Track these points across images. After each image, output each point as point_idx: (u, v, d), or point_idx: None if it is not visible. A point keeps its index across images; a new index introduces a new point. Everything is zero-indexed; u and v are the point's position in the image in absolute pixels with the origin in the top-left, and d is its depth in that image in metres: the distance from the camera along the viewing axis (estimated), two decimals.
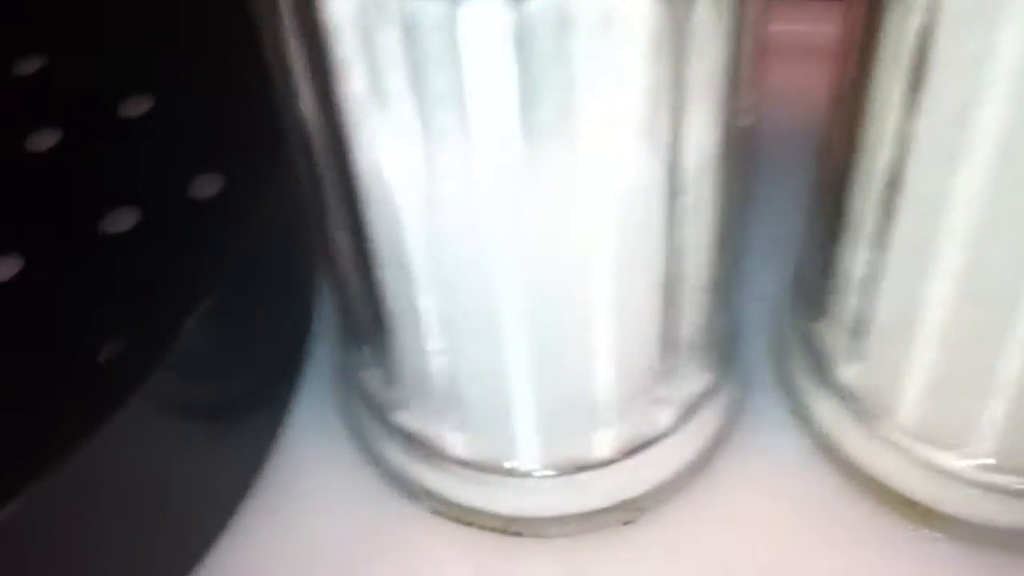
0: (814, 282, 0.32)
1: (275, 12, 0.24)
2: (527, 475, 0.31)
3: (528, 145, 0.24)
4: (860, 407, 0.31)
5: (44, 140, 0.33)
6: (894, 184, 0.27)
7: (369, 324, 0.30)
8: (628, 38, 0.23)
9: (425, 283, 0.27)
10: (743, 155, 0.27)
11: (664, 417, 0.31)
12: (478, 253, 0.26)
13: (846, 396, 0.32)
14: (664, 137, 0.25)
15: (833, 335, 0.32)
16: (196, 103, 0.33)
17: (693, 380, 0.32)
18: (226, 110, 0.32)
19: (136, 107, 0.34)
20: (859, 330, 0.30)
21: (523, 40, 0.22)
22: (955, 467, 0.30)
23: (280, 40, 0.24)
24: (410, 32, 0.22)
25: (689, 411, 0.32)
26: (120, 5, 0.36)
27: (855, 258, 0.30)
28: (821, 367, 0.32)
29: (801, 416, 0.34)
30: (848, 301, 0.30)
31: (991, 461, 0.29)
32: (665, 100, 0.24)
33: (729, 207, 0.28)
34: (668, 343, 0.30)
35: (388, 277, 0.28)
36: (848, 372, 0.32)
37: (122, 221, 0.31)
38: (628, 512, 0.32)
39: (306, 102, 0.25)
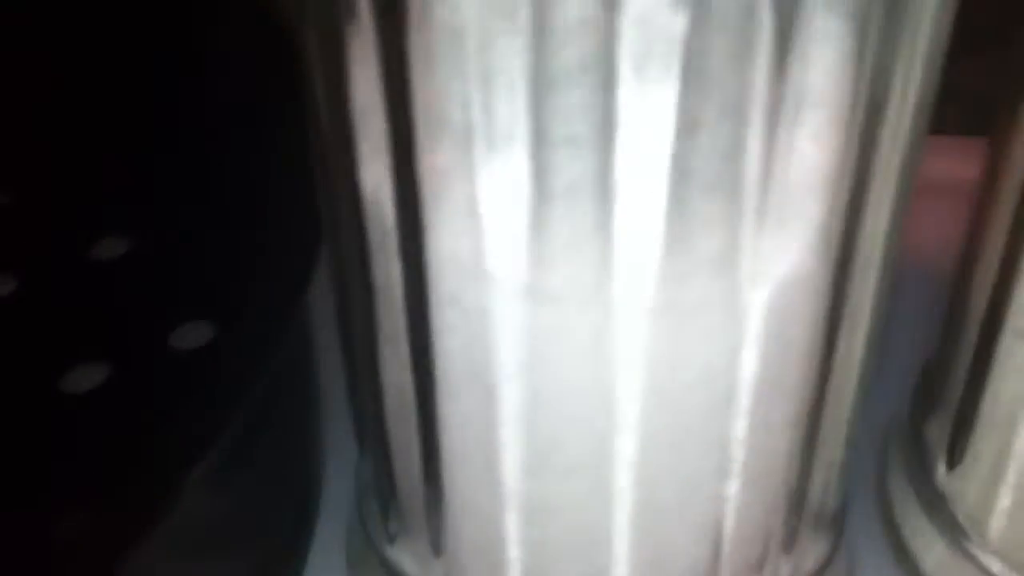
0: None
1: (346, 39, 0.18)
2: None
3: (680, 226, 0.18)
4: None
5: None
6: None
7: (414, 477, 0.23)
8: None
9: (511, 417, 0.21)
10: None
11: None
12: (592, 380, 0.20)
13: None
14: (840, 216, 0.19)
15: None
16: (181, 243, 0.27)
17: (811, 550, 0.25)
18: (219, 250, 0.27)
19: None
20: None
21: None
22: None
23: (344, 89, 0.19)
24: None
25: None
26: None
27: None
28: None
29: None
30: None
31: None
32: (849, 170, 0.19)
33: (881, 308, 0.22)
34: (797, 500, 0.23)
35: (456, 411, 0.21)
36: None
37: (89, 377, 0.25)
38: None
39: (373, 171, 0.19)
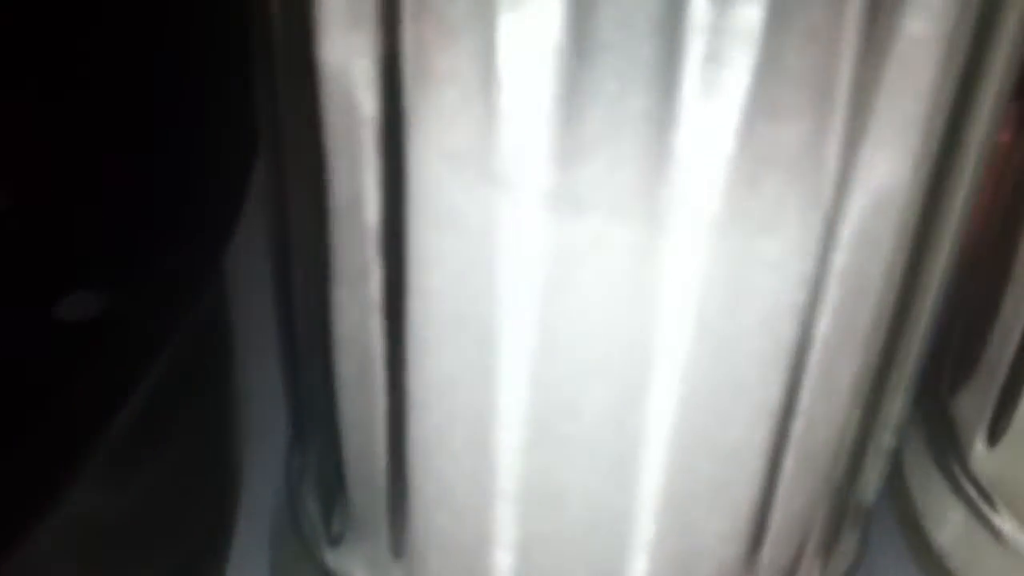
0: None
1: None
2: None
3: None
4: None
5: None
6: None
7: (374, 462, 0.18)
8: None
9: (512, 376, 0.16)
10: None
11: None
12: (625, 322, 0.15)
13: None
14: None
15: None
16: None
17: (844, 551, 0.21)
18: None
19: None
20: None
21: None
22: None
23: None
24: None
25: None
26: None
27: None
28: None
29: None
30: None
31: None
32: None
33: (958, 244, 0.18)
34: (845, 488, 0.19)
35: (438, 370, 0.16)
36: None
37: None
38: None
39: (340, 43, 0.15)
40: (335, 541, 0.21)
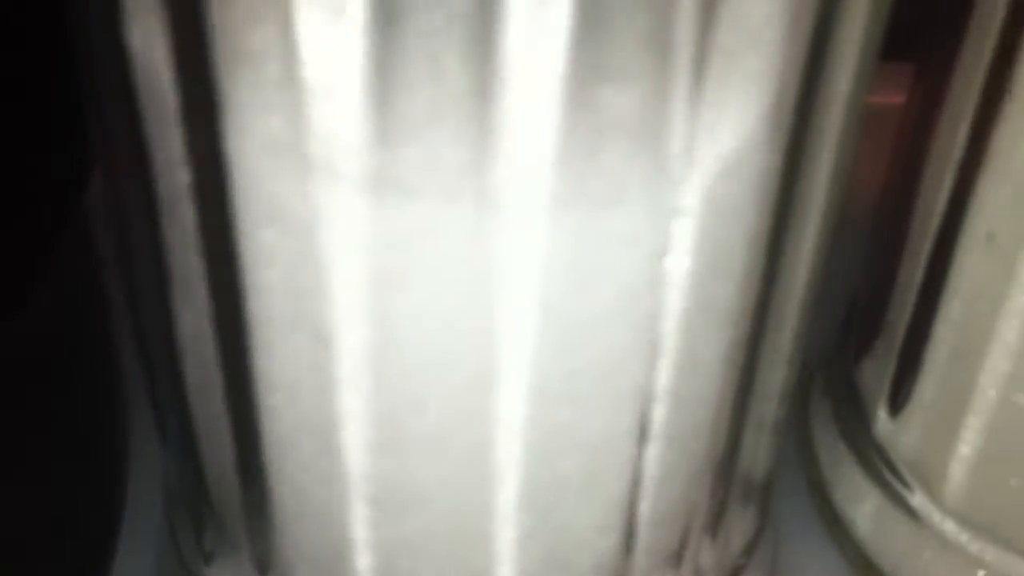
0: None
1: None
2: None
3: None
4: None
5: None
6: None
7: (228, 471, 0.17)
8: None
9: (353, 374, 0.15)
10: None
11: None
12: (465, 312, 0.14)
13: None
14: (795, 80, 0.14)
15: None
16: None
17: (738, 529, 0.20)
18: None
19: None
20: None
21: None
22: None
23: None
24: None
25: None
26: None
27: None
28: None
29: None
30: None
31: None
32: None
33: (833, 210, 0.17)
34: (726, 466, 0.18)
35: (278, 372, 0.15)
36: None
37: None
38: None
39: (142, 22, 0.14)
40: (208, 558, 0.20)
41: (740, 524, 0.20)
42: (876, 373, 0.23)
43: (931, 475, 0.22)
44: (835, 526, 0.24)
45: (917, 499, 0.22)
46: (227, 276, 0.15)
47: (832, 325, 0.25)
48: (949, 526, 0.22)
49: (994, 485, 0.21)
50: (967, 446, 0.21)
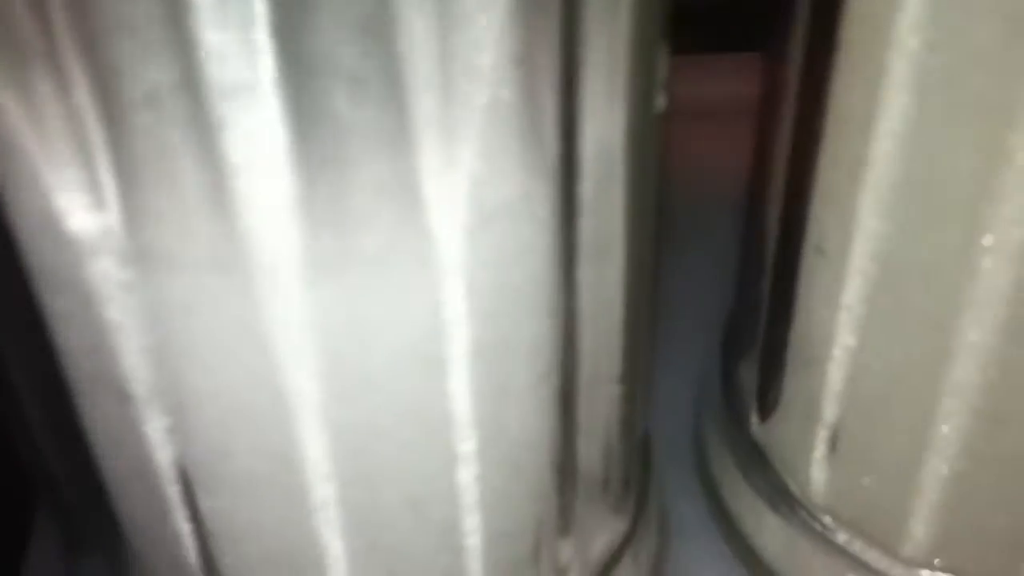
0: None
1: None
2: None
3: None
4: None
5: None
6: None
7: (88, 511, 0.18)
8: None
9: (160, 427, 0.16)
10: (655, 153, 0.17)
11: None
12: (252, 370, 0.15)
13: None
14: (550, 128, 0.15)
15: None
16: None
17: (601, 528, 0.21)
18: None
19: None
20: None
21: None
22: None
23: None
24: None
25: None
26: None
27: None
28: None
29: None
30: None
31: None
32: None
33: (644, 249, 0.18)
34: (562, 476, 0.19)
35: (100, 426, 0.16)
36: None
37: None
38: None
39: None
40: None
41: (605, 523, 0.21)
42: (749, 378, 0.23)
43: (800, 474, 0.22)
44: (726, 523, 0.25)
45: (790, 496, 0.23)
46: (42, 339, 0.16)
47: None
48: (819, 521, 0.22)
49: (851, 483, 0.21)
50: (824, 446, 0.21)
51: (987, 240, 0.17)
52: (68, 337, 0.15)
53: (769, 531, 0.24)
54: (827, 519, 0.22)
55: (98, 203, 0.14)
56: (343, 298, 0.15)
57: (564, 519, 0.20)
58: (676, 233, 0.26)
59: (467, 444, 0.17)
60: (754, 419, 0.23)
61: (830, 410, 0.21)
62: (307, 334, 0.15)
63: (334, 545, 0.17)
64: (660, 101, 0.17)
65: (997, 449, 0.19)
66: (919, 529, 0.21)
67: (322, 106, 0.13)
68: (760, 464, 0.23)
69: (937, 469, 0.20)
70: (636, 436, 0.21)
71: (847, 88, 0.18)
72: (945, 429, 0.19)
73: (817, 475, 0.22)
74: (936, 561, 0.21)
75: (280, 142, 0.13)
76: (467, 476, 0.17)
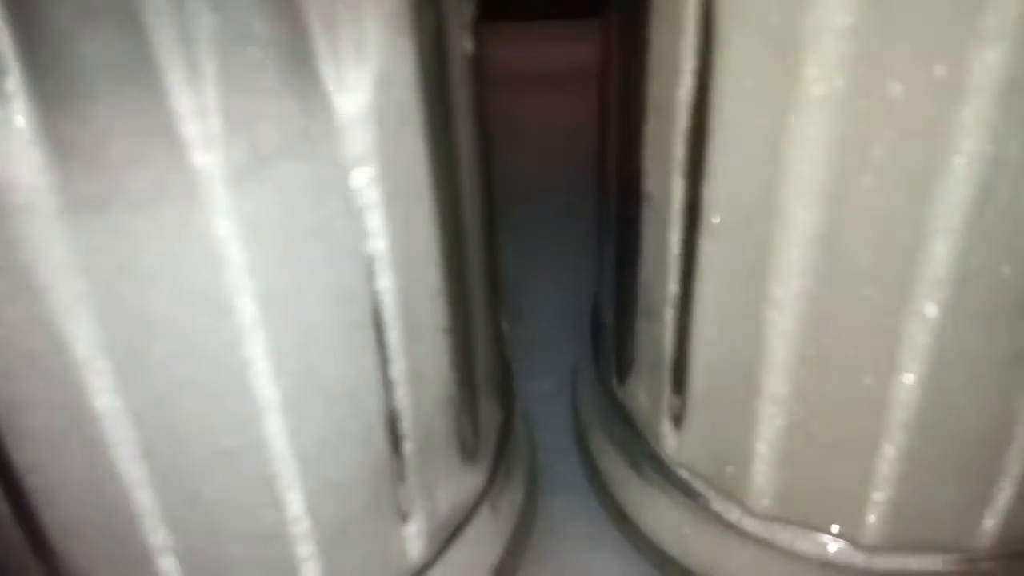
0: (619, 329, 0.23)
1: None
2: None
3: None
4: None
5: None
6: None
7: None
8: None
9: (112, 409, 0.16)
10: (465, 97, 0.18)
11: (413, 547, 0.21)
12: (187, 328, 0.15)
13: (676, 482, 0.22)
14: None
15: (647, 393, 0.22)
16: None
17: (448, 481, 0.21)
18: None
19: None
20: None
21: None
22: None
23: None
24: None
25: (449, 534, 0.21)
26: None
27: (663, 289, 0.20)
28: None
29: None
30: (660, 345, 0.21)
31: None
32: None
33: (459, 196, 0.18)
34: (393, 425, 0.19)
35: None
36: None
37: None
38: None
39: None
40: None
41: (448, 474, 0.21)
42: (610, 337, 0.23)
43: (654, 429, 0.22)
44: (599, 486, 0.25)
45: (650, 452, 0.23)
46: None
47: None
48: (676, 476, 0.22)
49: (699, 436, 0.21)
50: (670, 401, 0.22)
51: (798, 187, 0.17)
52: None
53: (633, 488, 0.24)
54: (683, 473, 0.22)
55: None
56: (112, 240, 0.15)
57: (400, 468, 0.20)
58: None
59: (270, 392, 0.17)
60: (615, 378, 0.23)
61: (671, 363, 0.21)
62: (80, 277, 0.15)
63: (146, 500, 0.17)
64: (466, 44, 0.17)
65: (825, 395, 0.19)
66: (763, 481, 0.21)
67: (56, 37, 0.13)
68: (622, 421, 0.23)
69: (773, 419, 0.20)
70: (479, 387, 0.21)
71: (657, 35, 0.18)
72: (774, 378, 0.19)
73: (668, 430, 0.22)
74: (784, 512, 0.21)
75: (15, 76, 0.13)
76: (276, 426, 0.17)
